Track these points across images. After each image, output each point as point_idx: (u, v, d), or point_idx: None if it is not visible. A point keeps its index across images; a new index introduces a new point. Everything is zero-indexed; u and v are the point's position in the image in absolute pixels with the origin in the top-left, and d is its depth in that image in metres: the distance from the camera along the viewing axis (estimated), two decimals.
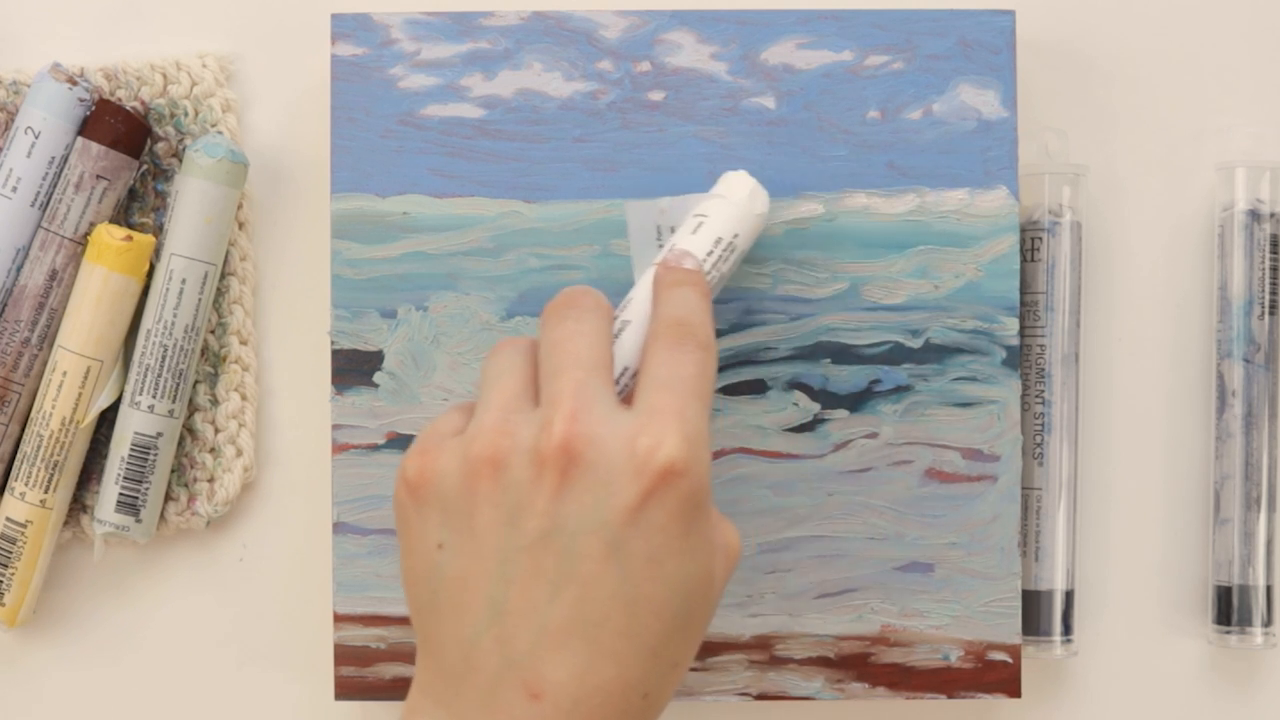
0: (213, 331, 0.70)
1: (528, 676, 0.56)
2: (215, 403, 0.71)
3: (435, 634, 0.58)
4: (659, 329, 0.60)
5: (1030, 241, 0.70)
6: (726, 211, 0.64)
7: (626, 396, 0.60)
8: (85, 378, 0.68)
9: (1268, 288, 0.70)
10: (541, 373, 0.59)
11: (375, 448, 0.69)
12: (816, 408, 0.69)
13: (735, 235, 0.64)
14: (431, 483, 0.58)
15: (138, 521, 0.69)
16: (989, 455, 0.69)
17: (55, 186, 0.69)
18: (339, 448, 0.69)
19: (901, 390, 0.69)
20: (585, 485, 0.56)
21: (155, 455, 0.69)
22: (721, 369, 0.69)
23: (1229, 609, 0.70)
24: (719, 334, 0.69)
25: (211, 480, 0.71)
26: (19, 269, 0.69)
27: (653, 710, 0.57)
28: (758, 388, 0.69)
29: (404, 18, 0.69)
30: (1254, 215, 0.70)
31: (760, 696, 0.69)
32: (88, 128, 0.69)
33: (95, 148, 0.68)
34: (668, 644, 0.57)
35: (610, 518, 0.56)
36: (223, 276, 0.70)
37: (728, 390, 0.69)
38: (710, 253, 0.63)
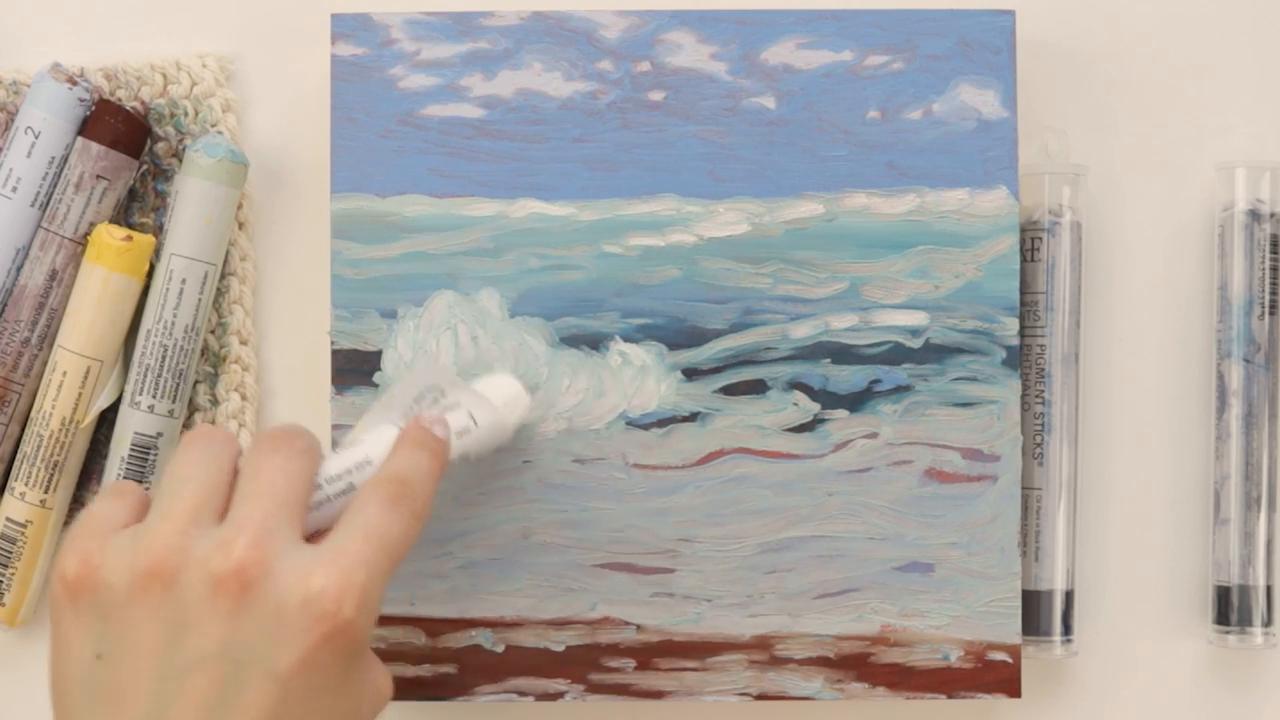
0: (213, 331, 0.70)
1: None
2: (215, 403, 0.71)
3: None
4: (383, 480, 0.60)
5: (1030, 241, 0.70)
6: (483, 412, 0.64)
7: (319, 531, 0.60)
8: (85, 378, 0.68)
9: (1268, 288, 0.70)
10: (236, 492, 0.59)
11: None
12: (816, 408, 0.69)
13: (473, 452, 0.64)
14: (92, 589, 0.57)
15: None
16: (989, 455, 0.69)
17: (55, 186, 0.69)
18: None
19: (901, 390, 0.69)
20: (256, 617, 0.56)
21: (155, 455, 0.69)
22: (721, 369, 0.69)
23: (1229, 609, 0.70)
24: (719, 335, 0.69)
25: None
26: (19, 269, 0.69)
27: None
28: (758, 388, 0.69)
29: (404, 18, 0.69)
30: (1254, 215, 0.70)
31: (760, 696, 0.69)
32: (88, 128, 0.69)
33: (95, 148, 0.68)
34: None
35: (279, 657, 0.56)
36: (223, 276, 0.70)
37: (728, 390, 0.69)
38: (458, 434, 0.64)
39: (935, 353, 0.69)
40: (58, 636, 0.58)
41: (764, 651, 0.69)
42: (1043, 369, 0.70)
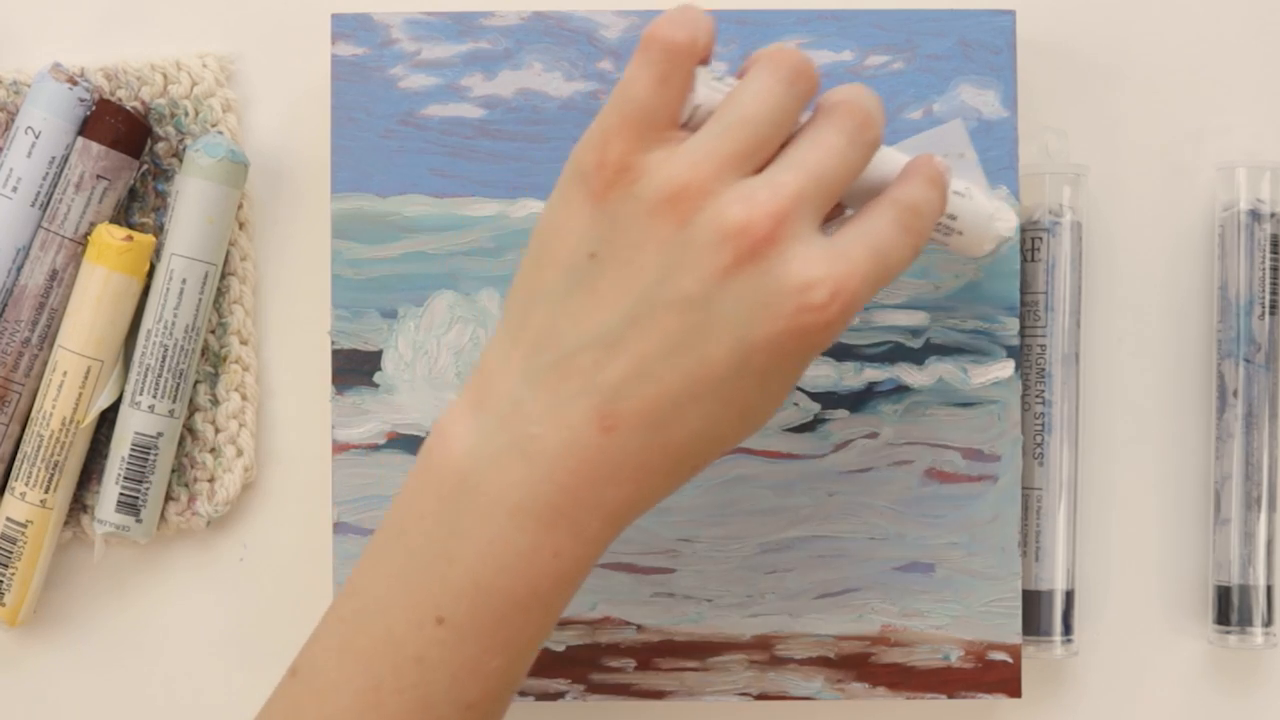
0: (213, 331, 0.70)
1: (605, 409, 0.57)
2: (215, 403, 0.71)
3: (540, 317, 0.58)
4: (902, 201, 0.59)
5: (1030, 241, 0.70)
6: (979, 194, 0.64)
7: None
8: (85, 378, 0.68)
9: (1268, 288, 0.70)
10: (786, 154, 0.58)
11: (375, 448, 0.69)
12: (816, 408, 0.69)
13: (958, 222, 0.63)
14: (622, 193, 0.57)
15: (138, 521, 0.69)
16: (989, 455, 0.69)
17: (55, 186, 0.69)
18: (339, 448, 0.69)
19: (902, 390, 0.69)
20: (748, 283, 0.56)
21: (155, 455, 0.69)
22: None
23: (1229, 609, 0.70)
24: None
25: (212, 480, 0.71)
26: (19, 269, 0.69)
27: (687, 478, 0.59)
28: None
29: (404, 18, 0.69)
30: (1254, 215, 0.70)
31: (760, 696, 0.69)
32: (88, 128, 0.69)
33: (95, 148, 0.68)
34: (732, 436, 0.58)
35: (753, 327, 0.56)
36: (223, 276, 0.70)
37: None
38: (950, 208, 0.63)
39: (935, 353, 0.69)
40: (566, 219, 0.58)
41: (764, 651, 0.69)
42: (1043, 369, 0.70)
